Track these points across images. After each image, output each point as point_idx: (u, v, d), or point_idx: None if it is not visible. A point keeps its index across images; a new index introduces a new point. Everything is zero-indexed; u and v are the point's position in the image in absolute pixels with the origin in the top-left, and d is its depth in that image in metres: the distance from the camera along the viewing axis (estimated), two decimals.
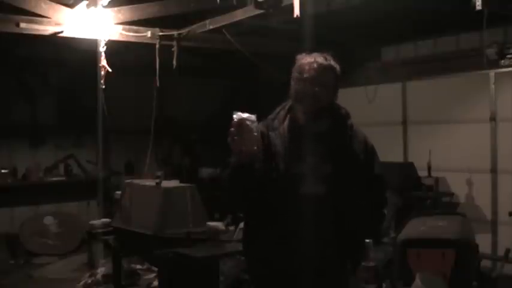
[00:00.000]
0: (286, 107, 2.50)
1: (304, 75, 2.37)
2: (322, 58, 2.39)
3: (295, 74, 2.42)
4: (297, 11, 3.95)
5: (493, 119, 5.64)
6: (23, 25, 4.91)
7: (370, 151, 2.49)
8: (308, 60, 2.39)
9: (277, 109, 2.53)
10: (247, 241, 2.59)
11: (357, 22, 5.72)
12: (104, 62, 5.07)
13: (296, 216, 2.33)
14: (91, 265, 5.82)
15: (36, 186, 6.83)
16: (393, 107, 6.65)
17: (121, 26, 5.29)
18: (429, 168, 5.92)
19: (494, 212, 5.63)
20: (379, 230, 2.68)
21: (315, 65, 2.36)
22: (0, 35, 5.05)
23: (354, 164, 2.41)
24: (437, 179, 5.93)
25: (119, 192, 4.75)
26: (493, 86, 5.65)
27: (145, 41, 5.61)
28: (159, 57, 5.58)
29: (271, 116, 2.51)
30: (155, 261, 4.41)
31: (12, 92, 6.91)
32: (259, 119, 2.58)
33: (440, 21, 5.72)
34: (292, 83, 2.42)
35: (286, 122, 2.46)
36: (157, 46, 5.62)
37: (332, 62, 2.41)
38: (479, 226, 5.24)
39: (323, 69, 2.37)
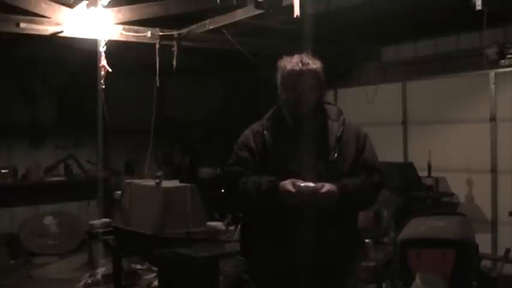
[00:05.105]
0: (280, 106, 2.54)
1: (285, 85, 2.44)
2: (299, 63, 2.41)
3: (278, 81, 2.48)
4: (297, 11, 3.95)
5: (493, 119, 5.64)
6: (23, 25, 4.90)
7: (362, 140, 2.50)
8: (286, 67, 2.43)
9: (272, 109, 2.58)
10: (246, 240, 2.61)
11: (357, 22, 5.72)
12: (104, 62, 5.06)
13: (293, 213, 2.33)
14: (91, 265, 5.82)
15: (36, 186, 6.83)
16: (393, 107, 6.65)
17: (121, 26, 5.28)
18: (429, 168, 5.92)
19: (494, 212, 5.63)
20: (372, 198, 2.60)
21: (292, 73, 2.41)
22: (0, 35, 5.05)
23: (349, 157, 2.44)
24: (437, 179, 5.93)
25: (118, 192, 4.75)
26: (493, 86, 5.65)
27: (145, 41, 5.61)
28: (159, 57, 5.58)
29: (266, 116, 2.56)
30: (155, 261, 4.41)
31: (12, 92, 6.91)
32: (258, 119, 2.61)
33: (440, 21, 5.72)
34: (279, 90, 2.49)
35: (280, 122, 2.50)
36: (157, 46, 5.61)
37: (310, 64, 2.42)
38: (479, 226, 5.24)
39: (300, 75, 2.40)
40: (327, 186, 2.28)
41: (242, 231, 2.71)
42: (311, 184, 2.27)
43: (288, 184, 2.27)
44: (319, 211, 2.31)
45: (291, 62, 2.43)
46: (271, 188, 2.31)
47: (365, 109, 6.60)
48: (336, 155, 2.40)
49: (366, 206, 2.76)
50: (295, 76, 2.41)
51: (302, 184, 2.26)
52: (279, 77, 2.47)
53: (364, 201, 2.54)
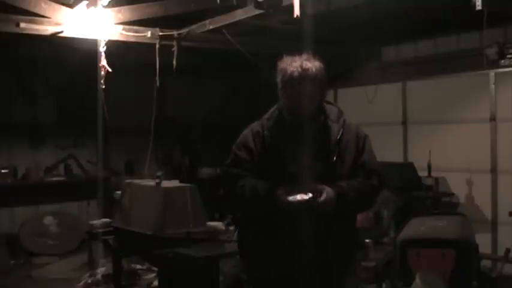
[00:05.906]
0: (280, 108, 2.52)
1: (284, 89, 2.41)
2: (299, 68, 2.37)
3: (279, 84, 2.45)
4: (297, 11, 3.95)
5: (493, 119, 5.64)
6: (23, 25, 4.90)
7: (362, 142, 2.49)
8: (287, 71, 2.39)
9: (272, 109, 2.56)
10: (244, 241, 2.61)
11: (357, 22, 5.72)
12: (104, 62, 5.06)
13: (291, 214, 2.33)
14: (91, 265, 5.82)
15: (36, 186, 6.83)
16: (393, 107, 6.65)
17: (121, 26, 5.28)
18: (429, 168, 5.92)
19: (494, 212, 5.63)
20: (371, 201, 2.61)
21: (293, 78, 2.37)
22: (0, 35, 5.05)
23: (348, 159, 2.43)
24: (437, 179, 5.93)
25: (118, 192, 4.75)
26: (493, 86, 5.65)
27: (145, 41, 5.61)
28: (159, 57, 5.58)
29: (266, 116, 2.54)
30: (155, 261, 4.41)
31: (12, 92, 6.91)
32: (258, 119, 2.60)
33: (440, 21, 5.72)
34: (279, 93, 2.46)
35: (280, 122, 2.48)
36: (157, 46, 5.61)
37: (310, 70, 2.38)
38: (479, 226, 5.24)
39: (300, 82, 2.37)
40: (325, 195, 2.28)
41: (240, 231, 2.70)
42: (306, 196, 2.26)
43: (283, 196, 2.27)
44: (318, 212, 2.31)
45: (291, 65, 2.39)
46: (268, 197, 2.31)
47: (365, 109, 6.60)
48: (335, 157, 2.39)
49: (364, 208, 2.75)
50: (296, 82, 2.37)
51: (298, 197, 2.26)
52: (279, 79, 2.44)
53: (362, 203, 2.53)
